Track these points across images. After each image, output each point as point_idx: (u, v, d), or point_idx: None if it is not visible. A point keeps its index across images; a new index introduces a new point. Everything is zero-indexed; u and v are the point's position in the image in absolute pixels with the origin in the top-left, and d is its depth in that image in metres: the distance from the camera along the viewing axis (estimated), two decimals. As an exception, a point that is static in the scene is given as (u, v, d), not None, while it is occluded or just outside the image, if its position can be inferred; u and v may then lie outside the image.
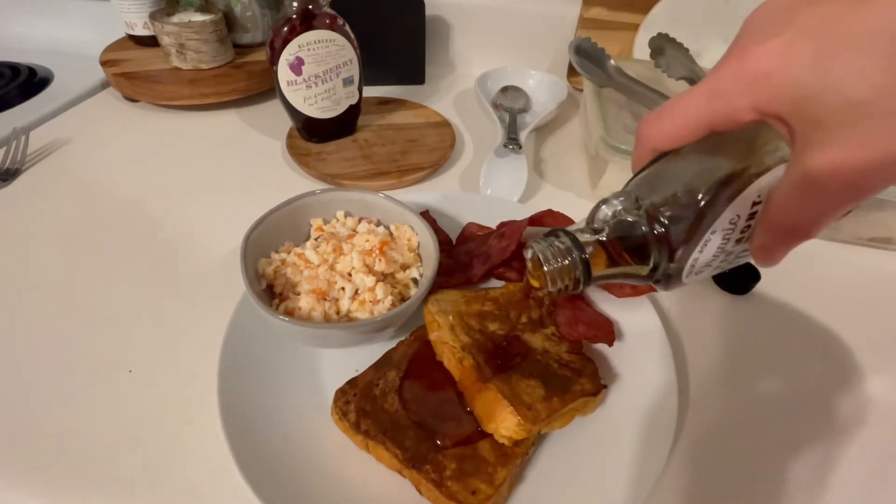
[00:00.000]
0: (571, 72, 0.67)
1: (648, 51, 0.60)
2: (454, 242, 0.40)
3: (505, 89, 0.62)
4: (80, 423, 0.28)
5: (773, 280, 0.39)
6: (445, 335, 0.27)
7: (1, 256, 0.39)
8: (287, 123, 0.53)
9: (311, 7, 0.43)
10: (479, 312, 0.29)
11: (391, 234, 0.33)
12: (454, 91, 0.67)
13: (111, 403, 0.29)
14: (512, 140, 0.49)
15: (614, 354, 0.30)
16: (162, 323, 0.34)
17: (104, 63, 0.59)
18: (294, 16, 0.42)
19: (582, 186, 0.49)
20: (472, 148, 0.55)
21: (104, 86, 0.64)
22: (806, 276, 0.39)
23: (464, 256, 0.36)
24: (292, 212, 0.33)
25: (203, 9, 0.58)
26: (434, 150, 0.52)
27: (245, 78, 0.58)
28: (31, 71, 0.67)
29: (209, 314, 0.32)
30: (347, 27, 0.46)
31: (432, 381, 0.27)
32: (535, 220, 0.36)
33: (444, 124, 0.56)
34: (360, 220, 0.35)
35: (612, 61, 0.49)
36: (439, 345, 0.27)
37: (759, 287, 0.38)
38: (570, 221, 0.37)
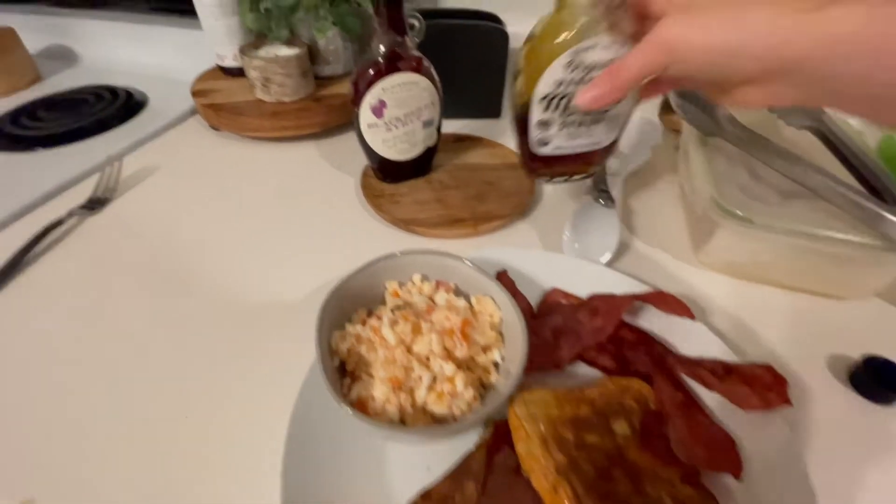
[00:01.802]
0: (664, 109, 0.61)
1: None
2: (535, 310, 0.36)
3: (589, 128, 0.58)
4: (128, 469, 0.28)
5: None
6: (536, 449, 0.23)
7: (81, 286, 0.41)
8: (363, 159, 0.52)
9: (398, 50, 0.41)
10: (574, 419, 0.25)
11: (471, 307, 0.30)
12: (533, 127, 0.63)
13: (163, 450, 0.29)
14: (602, 192, 0.44)
15: (740, 487, 0.25)
16: (226, 367, 0.33)
17: (195, 93, 0.61)
18: (380, 59, 0.41)
19: (681, 247, 0.44)
20: (553, 193, 0.51)
21: (193, 112, 0.66)
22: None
23: (549, 333, 0.32)
24: (369, 275, 0.31)
25: (289, 41, 0.58)
26: (511, 195, 0.49)
27: (324, 112, 0.57)
28: (129, 94, 0.71)
29: (276, 362, 0.31)
30: (432, 69, 0.44)
31: (517, 502, 0.23)
32: (642, 300, 0.32)
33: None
34: (437, 286, 0.32)
35: (723, 110, 0.43)
36: (528, 460, 0.23)
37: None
38: (688, 313, 0.31)
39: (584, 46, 0.28)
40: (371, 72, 0.41)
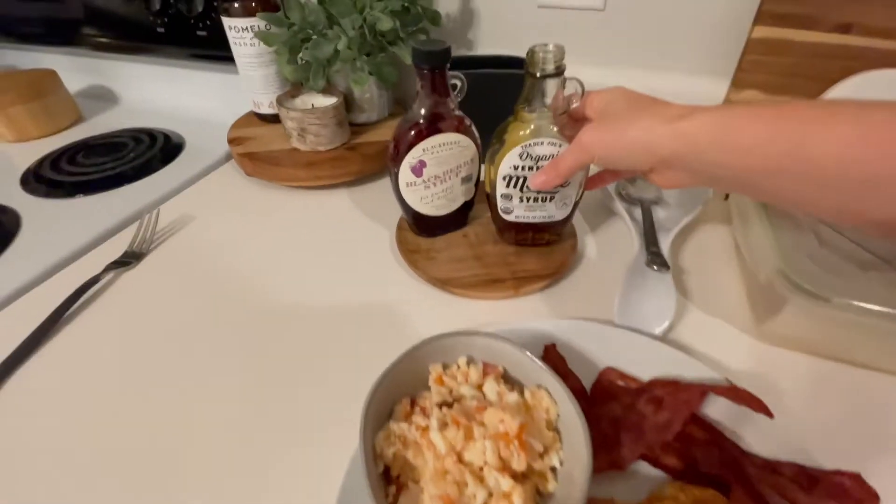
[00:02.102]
0: (709, 156, 0.58)
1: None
2: (588, 392, 0.34)
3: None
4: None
5: None
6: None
7: (118, 345, 0.40)
8: (397, 208, 0.50)
9: (440, 110, 0.40)
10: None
11: (524, 401, 0.28)
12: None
13: None
14: (654, 255, 0.42)
15: None
16: (265, 437, 0.32)
17: (231, 141, 0.61)
18: (421, 120, 0.40)
19: (739, 315, 0.41)
20: (595, 250, 0.49)
21: (229, 157, 0.67)
22: None
23: (607, 426, 0.30)
24: (411, 361, 0.29)
25: (325, 90, 0.58)
26: (552, 252, 0.46)
27: (359, 161, 0.57)
28: (167, 137, 0.73)
29: (311, 441, 0.30)
30: (473, 127, 0.42)
31: None
32: (714, 393, 0.29)
33: (564, 220, 0.50)
34: (484, 371, 0.30)
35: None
36: None
37: None
38: (766, 410, 0.28)
39: (533, 142, 0.38)
40: (412, 133, 0.40)
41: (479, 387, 0.29)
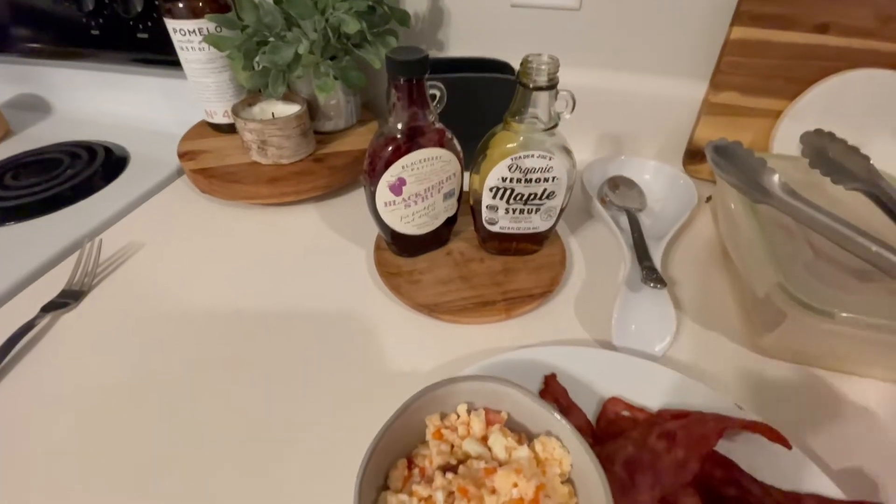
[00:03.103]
0: (688, 158, 0.58)
1: (789, 144, 0.51)
2: (594, 426, 0.32)
3: (613, 182, 0.54)
4: None
5: None
6: None
7: (59, 397, 0.35)
8: (371, 226, 0.47)
9: (419, 124, 0.36)
10: None
11: (536, 455, 0.25)
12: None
13: None
14: (650, 272, 0.40)
15: None
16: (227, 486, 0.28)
17: (182, 155, 0.56)
18: (399, 135, 0.36)
19: (733, 328, 0.39)
20: (582, 259, 0.47)
21: (180, 172, 0.61)
22: None
23: (621, 469, 0.27)
24: (406, 418, 0.26)
25: (286, 96, 0.54)
26: (541, 267, 0.44)
27: (327, 174, 0.52)
28: (108, 151, 0.66)
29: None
30: (455, 140, 0.39)
31: None
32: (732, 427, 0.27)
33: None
34: (487, 420, 0.27)
35: (777, 177, 0.40)
36: None
37: None
38: (784, 442, 0.27)
39: (523, 154, 0.36)
40: (389, 149, 0.36)
41: (484, 439, 0.26)
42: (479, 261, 0.45)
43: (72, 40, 0.69)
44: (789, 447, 0.27)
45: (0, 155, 0.67)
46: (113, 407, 0.34)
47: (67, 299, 0.42)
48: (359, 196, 0.56)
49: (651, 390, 0.33)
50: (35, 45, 0.73)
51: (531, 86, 0.33)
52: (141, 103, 0.73)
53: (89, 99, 0.77)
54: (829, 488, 0.27)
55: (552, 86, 0.33)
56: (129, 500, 0.29)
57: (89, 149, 0.66)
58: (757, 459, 0.28)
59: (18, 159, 0.65)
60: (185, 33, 0.51)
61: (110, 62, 0.69)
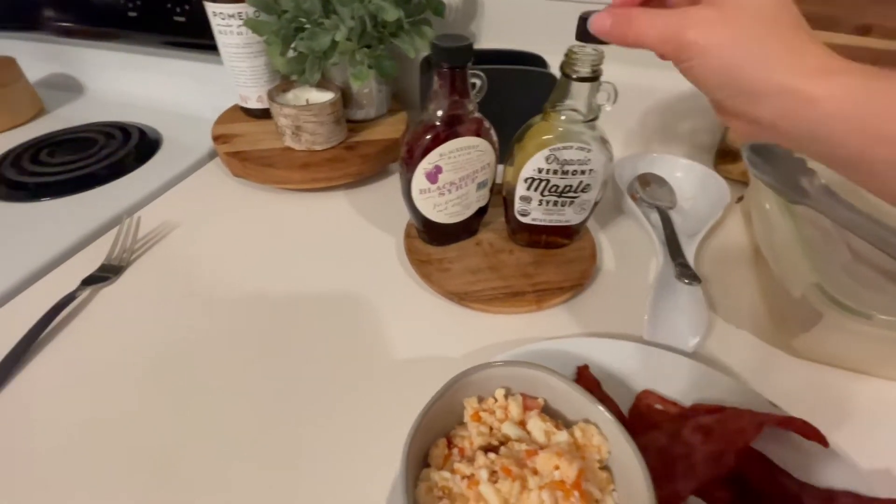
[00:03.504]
0: (719, 158, 0.57)
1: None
2: (626, 416, 0.32)
3: (643, 178, 0.54)
4: None
5: None
6: None
7: (97, 370, 0.36)
8: (400, 214, 0.47)
9: (458, 112, 0.36)
10: None
11: (575, 440, 0.25)
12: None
13: None
14: (684, 269, 0.40)
15: None
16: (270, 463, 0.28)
17: (216, 138, 0.56)
18: (438, 122, 0.36)
19: (764, 328, 0.39)
20: (612, 254, 0.47)
21: (212, 155, 0.62)
22: None
23: (655, 458, 0.27)
24: (446, 399, 0.26)
25: (319, 84, 0.54)
26: (571, 262, 0.44)
27: (359, 162, 0.53)
28: (142, 133, 0.67)
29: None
30: (492, 130, 0.39)
31: None
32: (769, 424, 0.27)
33: (580, 226, 0.48)
34: (524, 405, 0.27)
35: (817, 177, 0.39)
36: None
37: None
38: (822, 440, 0.27)
39: (562, 146, 0.36)
40: (428, 136, 0.37)
41: (522, 423, 0.27)
42: (509, 252, 0.45)
43: (108, 21, 0.70)
44: (826, 445, 0.27)
45: (34, 132, 0.68)
46: (151, 377, 0.35)
47: (107, 273, 0.43)
48: (387, 185, 0.56)
49: (683, 385, 0.33)
50: (70, 25, 0.74)
51: (574, 76, 0.33)
52: (172, 87, 0.74)
53: (122, 81, 0.78)
54: (862, 487, 0.27)
55: (595, 77, 0.33)
56: (158, 474, 0.30)
57: (123, 129, 0.67)
58: (788, 457, 0.29)
59: (53, 137, 0.67)
60: (224, 17, 0.52)
61: (145, 44, 0.70)
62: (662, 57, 0.25)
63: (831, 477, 0.28)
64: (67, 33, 0.75)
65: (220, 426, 0.32)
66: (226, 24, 0.52)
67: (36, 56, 0.82)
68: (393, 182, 0.57)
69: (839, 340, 0.35)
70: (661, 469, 0.27)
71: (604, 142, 0.37)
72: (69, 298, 0.40)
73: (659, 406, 0.32)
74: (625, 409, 0.32)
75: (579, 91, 0.34)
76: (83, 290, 0.42)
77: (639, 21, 0.24)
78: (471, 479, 0.23)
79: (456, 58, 0.33)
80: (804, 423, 0.27)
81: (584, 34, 0.27)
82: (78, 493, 0.29)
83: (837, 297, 0.32)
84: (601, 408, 0.26)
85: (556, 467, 0.23)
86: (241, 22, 0.52)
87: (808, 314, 0.35)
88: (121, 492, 0.29)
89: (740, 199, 0.52)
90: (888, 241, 0.35)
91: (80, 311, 0.41)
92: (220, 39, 0.54)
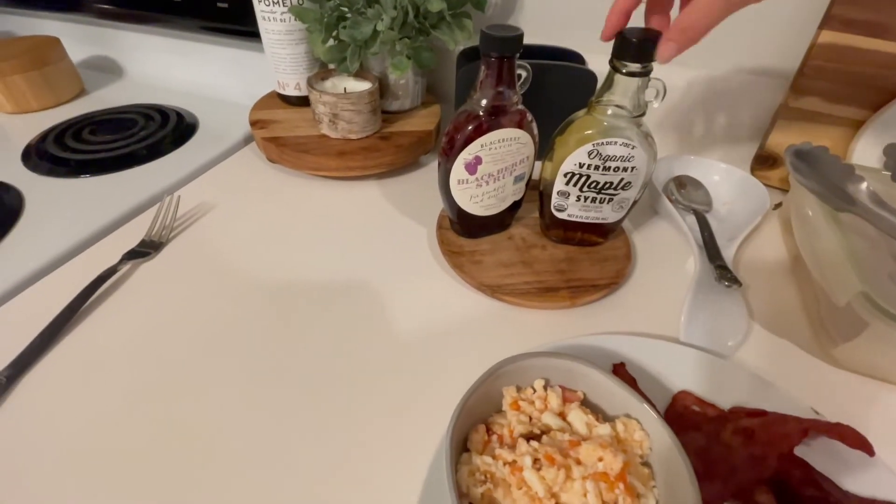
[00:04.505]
0: (757, 164, 0.56)
1: (868, 155, 0.49)
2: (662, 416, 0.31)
3: (679, 181, 0.53)
4: None
5: None
6: None
7: (140, 343, 0.36)
8: (432, 205, 0.47)
9: (503, 104, 0.36)
10: None
11: (617, 434, 0.25)
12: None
13: None
14: (724, 271, 0.39)
15: None
16: (301, 439, 0.29)
17: (253, 123, 0.57)
18: (482, 112, 0.37)
19: (804, 336, 0.38)
20: (647, 255, 0.46)
21: (248, 140, 0.63)
22: None
23: (693, 458, 0.27)
24: (486, 386, 0.26)
25: (356, 73, 0.55)
26: (606, 260, 0.44)
27: (392, 152, 0.53)
28: (179, 116, 0.68)
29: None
30: (534, 123, 0.39)
31: None
32: (823, 430, 0.27)
33: (614, 225, 0.47)
34: (564, 398, 0.27)
35: (865, 184, 0.38)
36: None
37: None
38: (868, 449, 0.26)
39: (606, 141, 0.36)
40: (471, 126, 0.37)
41: (562, 415, 0.26)
42: (542, 248, 0.45)
43: (151, 5, 0.71)
44: (872, 454, 0.26)
45: (75, 111, 0.70)
46: (188, 350, 0.36)
47: (148, 249, 0.44)
48: (420, 176, 0.57)
49: (721, 387, 0.32)
50: (112, 7, 0.75)
51: (623, 70, 0.33)
52: (210, 73, 0.76)
53: (161, 65, 0.80)
54: (907, 499, 0.26)
55: (646, 72, 0.33)
56: (191, 446, 0.31)
57: (162, 112, 0.68)
58: (831, 465, 0.28)
59: (94, 116, 0.69)
60: (268, 3, 0.52)
61: (185, 29, 0.71)
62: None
63: (874, 487, 0.27)
64: (109, 16, 0.77)
65: (252, 405, 0.33)
66: (270, 10, 0.53)
67: (78, 38, 0.85)
68: (425, 173, 0.57)
69: (884, 351, 0.34)
70: (701, 469, 0.27)
71: (649, 139, 0.36)
72: (111, 271, 0.41)
73: (696, 408, 0.31)
74: (660, 408, 0.32)
75: (627, 86, 0.34)
76: (125, 264, 0.43)
77: (693, 13, 0.28)
78: (513, 465, 0.23)
79: (506, 47, 0.33)
80: (851, 430, 0.27)
81: (629, 54, 0.32)
82: (113, 461, 0.30)
83: (885, 306, 0.32)
84: (645, 404, 0.26)
85: (601, 459, 0.23)
86: (285, 9, 0.52)
87: (853, 323, 0.35)
88: (153, 461, 0.30)
89: (778, 205, 0.51)
90: (940, 253, 0.34)
91: (121, 284, 0.42)
92: (263, 26, 0.55)
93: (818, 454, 0.28)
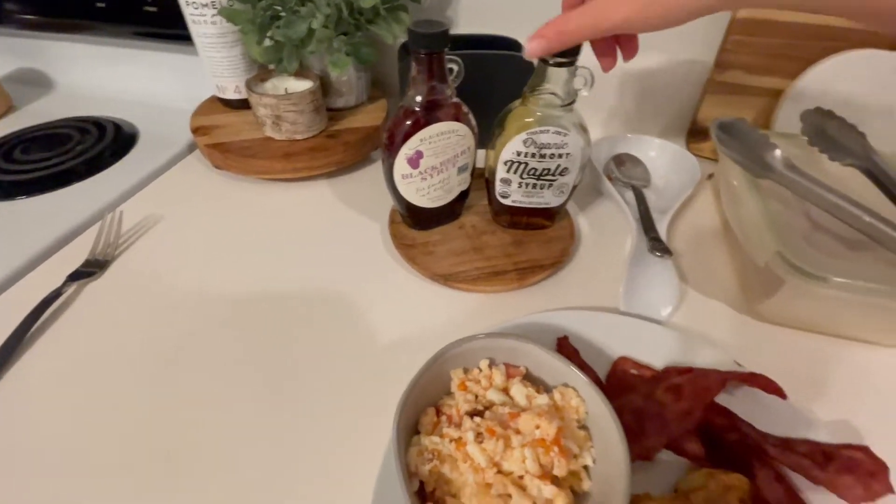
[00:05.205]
0: (691, 137, 0.59)
1: (790, 123, 0.53)
2: (603, 382, 0.34)
3: (619, 159, 0.56)
4: None
5: None
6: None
7: (90, 364, 0.36)
8: (383, 201, 0.48)
9: (437, 97, 0.37)
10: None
11: (555, 403, 0.27)
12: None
13: None
14: (657, 242, 0.42)
15: None
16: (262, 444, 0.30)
17: (195, 130, 0.56)
18: (418, 108, 0.37)
19: (733, 296, 0.42)
20: (590, 233, 0.49)
21: (191, 148, 0.62)
22: None
23: (630, 417, 0.30)
24: (434, 370, 0.28)
25: (297, 73, 0.54)
26: (551, 241, 0.46)
27: (341, 150, 0.53)
28: (117, 127, 0.66)
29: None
30: (470, 115, 0.40)
31: None
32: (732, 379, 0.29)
33: (558, 206, 0.49)
34: (508, 373, 0.29)
35: (779, 152, 0.41)
36: None
37: None
38: (781, 393, 0.29)
39: (539, 130, 0.37)
40: (408, 123, 0.38)
41: (505, 390, 0.28)
42: (491, 233, 0.47)
43: (75, 12, 0.68)
44: (784, 397, 0.29)
45: (4, 129, 0.67)
46: (141, 370, 0.36)
47: (92, 268, 0.43)
48: (370, 172, 0.57)
49: (656, 350, 0.35)
50: (35, 17, 0.72)
51: (550, 61, 0.34)
52: (146, 79, 0.73)
53: (92, 74, 0.76)
54: (819, 435, 0.29)
55: (572, 62, 0.34)
56: (148, 467, 0.31)
57: (98, 124, 0.66)
58: (753, 411, 0.31)
59: (25, 134, 0.65)
60: (197, 6, 0.51)
61: (115, 36, 0.68)
62: (596, 33, 0.27)
63: (790, 428, 0.30)
64: (34, 26, 0.73)
65: (209, 417, 0.33)
66: (199, 13, 0.52)
67: (1, 50, 0.80)
68: (375, 169, 0.58)
69: (800, 304, 0.38)
70: (637, 427, 0.29)
71: (581, 126, 0.38)
72: (56, 294, 0.40)
73: (634, 371, 0.34)
74: (602, 375, 0.34)
75: (556, 76, 0.35)
76: (69, 286, 0.42)
77: (567, 20, 0.27)
78: (458, 441, 0.25)
79: (433, 43, 0.34)
80: (764, 378, 0.29)
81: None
82: (66, 491, 0.30)
83: (797, 264, 0.35)
84: (578, 371, 0.28)
85: (537, 427, 0.25)
86: (214, 11, 0.51)
87: (772, 281, 0.38)
88: (110, 487, 0.30)
89: (710, 175, 0.55)
90: (843, 209, 0.38)
91: (67, 307, 0.41)
92: (194, 30, 0.54)
93: (741, 402, 0.31)
